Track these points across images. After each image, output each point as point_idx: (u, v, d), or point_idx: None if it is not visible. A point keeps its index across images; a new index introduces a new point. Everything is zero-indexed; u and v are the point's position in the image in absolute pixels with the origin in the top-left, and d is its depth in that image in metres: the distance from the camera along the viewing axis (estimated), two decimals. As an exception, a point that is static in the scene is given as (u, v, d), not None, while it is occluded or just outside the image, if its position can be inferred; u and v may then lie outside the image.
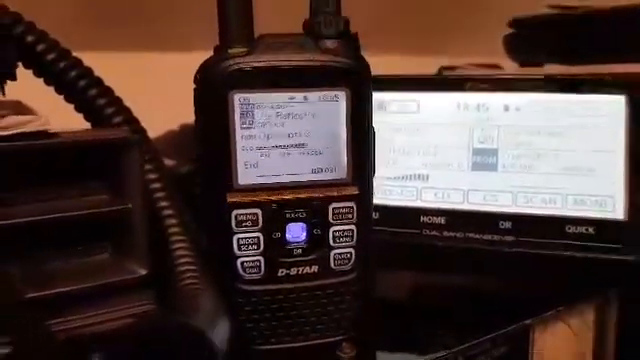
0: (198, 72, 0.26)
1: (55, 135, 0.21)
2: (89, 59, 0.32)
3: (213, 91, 0.25)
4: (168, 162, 0.49)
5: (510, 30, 0.62)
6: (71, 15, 0.58)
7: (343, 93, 0.26)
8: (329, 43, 0.26)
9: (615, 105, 0.35)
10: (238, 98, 0.25)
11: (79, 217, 0.21)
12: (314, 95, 0.26)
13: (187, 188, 0.30)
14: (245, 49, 0.25)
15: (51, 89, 0.31)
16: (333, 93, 0.26)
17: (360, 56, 0.27)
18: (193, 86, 0.26)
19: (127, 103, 0.33)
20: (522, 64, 0.64)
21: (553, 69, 0.60)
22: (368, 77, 0.27)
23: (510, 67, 0.66)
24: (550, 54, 0.61)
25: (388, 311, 0.32)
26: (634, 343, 0.40)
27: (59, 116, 0.29)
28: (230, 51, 0.25)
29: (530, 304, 0.36)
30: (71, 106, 0.31)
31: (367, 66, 0.27)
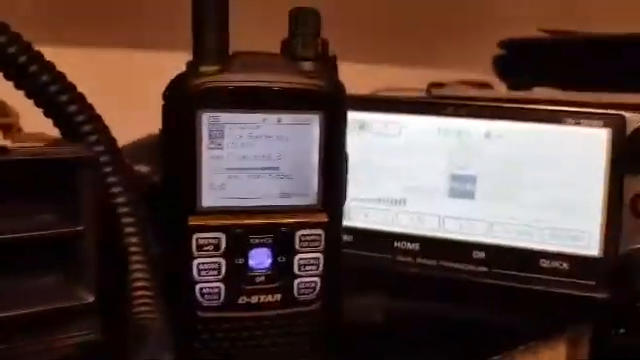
0: (167, 88, 0.25)
1: (6, 151, 0.20)
2: (73, 55, 0.31)
3: (181, 108, 0.24)
4: (143, 169, 0.48)
5: (500, 51, 0.62)
6: (55, 11, 0.57)
7: (317, 117, 0.26)
8: (306, 65, 0.26)
9: (597, 139, 0.35)
10: (207, 117, 0.24)
11: (25, 239, 0.20)
12: (287, 118, 0.25)
13: (159, 197, 0.29)
14: (218, 67, 0.24)
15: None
16: (307, 116, 0.25)
17: (337, 80, 0.26)
18: (162, 102, 0.25)
19: (108, 104, 0.32)
20: (511, 86, 0.64)
21: (542, 93, 0.60)
22: (344, 102, 0.26)
23: (500, 85, 0.66)
24: (539, 78, 0.61)
25: (357, 337, 0.31)
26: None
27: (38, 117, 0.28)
28: (202, 69, 0.24)
29: (502, 337, 0.35)
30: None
31: (343, 91, 0.26)
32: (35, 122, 0.30)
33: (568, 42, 0.57)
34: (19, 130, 0.42)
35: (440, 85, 0.62)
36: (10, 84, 0.29)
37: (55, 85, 0.27)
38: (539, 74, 0.59)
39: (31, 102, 0.29)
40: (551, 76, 0.59)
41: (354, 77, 0.37)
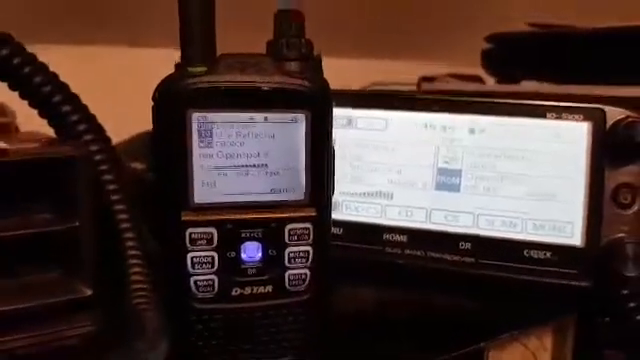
0: (157, 89, 0.26)
1: (4, 152, 0.21)
2: (70, 53, 0.31)
3: (171, 109, 0.25)
4: (138, 166, 0.49)
5: (488, 45, 0.63)
6: (50, 9, 0.58)
7: (303, 115, 0.26)
8: (292, 66, 0.27)
9: (578, 132, 0.36)
10: (196, 117, 0.25)
11: (23, 236, 0.21)
12: (274, 116, 0.26)
13: (154, 194, 0.30)
14: (205, 68, 0.25)
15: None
16: (293, 115, 0.26)
17: (322, 79, 0.27)
18: (151, 104, 0.26)
19: (105, 102, 0.32)
20: (499, 80, 0.65)
21: (529, 86, 0.61)
22: (329, 100, 0.27)
23: (490, 79, 0.67)
24: (527, 71, 0.62)
25: (344, 327, 0.32)
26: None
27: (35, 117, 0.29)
28: (190, 69, 0.25)
29: (488, 325, 0.36)
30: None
31: (328, 89, 0.27)
32: (32, 122, 0.31)
33: (555, 36, 0.58)
34: (16, 129, 0.43)
35: (431, 79, 0.63)
36: (6, 85, 0.30)
37: (48, 86, 0.28)
38: (527, 67, 0.61)
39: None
40: (538, 69, 0.60)
41: (348, 72, 0.38)
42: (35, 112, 0.30)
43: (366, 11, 0.77)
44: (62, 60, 0.30)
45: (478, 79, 0.66)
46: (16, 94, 0.29)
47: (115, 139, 0.31)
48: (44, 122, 0.30)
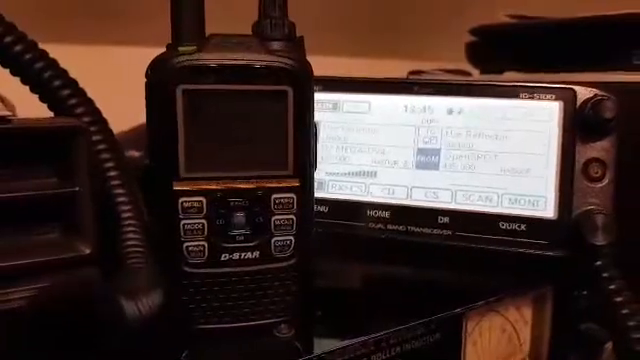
0: (149, 67, 0.27)
1: (10, 121, 0.22)
2: (63, 52, 0.33)
3: (162, 85, 0.27)
4: (135, 154, 0.51)
5: (472, 38, 0.65)
6: (43, 7, 0.60)
7: (287, 92, 0.28)
8: (275, 45, 0.28)
9: (550, 111, 0.38)
10: (186, 92, 0.27)
11: (28, 198, 0.22)
12: (260, 92, 0.28)
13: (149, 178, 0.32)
14: (194, 47, 0.27)
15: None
16: (278, 91, 0.28)
17: (303, 57, 0.29)
18: (144, 80, 0.27)
19: (98, 97, 0.34)
20: (483, 71, 0.67)
21: (512, 76, 0.63)
22: (310, 77, 0.29)
23: (476, 72, 0.69)
24: (509, 62, 0.64)
25: (331, 298, 0.34)
26: (567, 336, 0.43)
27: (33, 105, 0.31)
28: (180, 48, 0.27)
29: (466, 295, 0.38)
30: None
31: (309, 67, 0.29)
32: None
33: (535, 27, 0.60)
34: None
35: (419, 73, 0.65)
36: (6, 79, 0.31)
37: (39, 62, 0.30)
38: (508, 58, 0.63)
39: (25, 96, 0.32)
40: (520, 60, 0.62)
41: (339, 71, 0.40)
42: (33, 106, 0.31)
43: (359, 10, 0.79)
44: (73, 59, 0.32)
45: (466, 73, 0.68)
46: (16, 88, 0.31)
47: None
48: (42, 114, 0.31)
